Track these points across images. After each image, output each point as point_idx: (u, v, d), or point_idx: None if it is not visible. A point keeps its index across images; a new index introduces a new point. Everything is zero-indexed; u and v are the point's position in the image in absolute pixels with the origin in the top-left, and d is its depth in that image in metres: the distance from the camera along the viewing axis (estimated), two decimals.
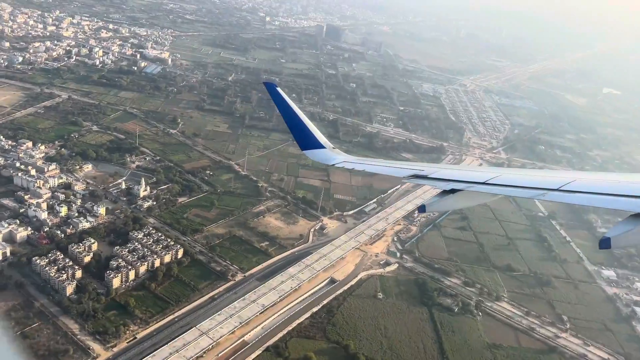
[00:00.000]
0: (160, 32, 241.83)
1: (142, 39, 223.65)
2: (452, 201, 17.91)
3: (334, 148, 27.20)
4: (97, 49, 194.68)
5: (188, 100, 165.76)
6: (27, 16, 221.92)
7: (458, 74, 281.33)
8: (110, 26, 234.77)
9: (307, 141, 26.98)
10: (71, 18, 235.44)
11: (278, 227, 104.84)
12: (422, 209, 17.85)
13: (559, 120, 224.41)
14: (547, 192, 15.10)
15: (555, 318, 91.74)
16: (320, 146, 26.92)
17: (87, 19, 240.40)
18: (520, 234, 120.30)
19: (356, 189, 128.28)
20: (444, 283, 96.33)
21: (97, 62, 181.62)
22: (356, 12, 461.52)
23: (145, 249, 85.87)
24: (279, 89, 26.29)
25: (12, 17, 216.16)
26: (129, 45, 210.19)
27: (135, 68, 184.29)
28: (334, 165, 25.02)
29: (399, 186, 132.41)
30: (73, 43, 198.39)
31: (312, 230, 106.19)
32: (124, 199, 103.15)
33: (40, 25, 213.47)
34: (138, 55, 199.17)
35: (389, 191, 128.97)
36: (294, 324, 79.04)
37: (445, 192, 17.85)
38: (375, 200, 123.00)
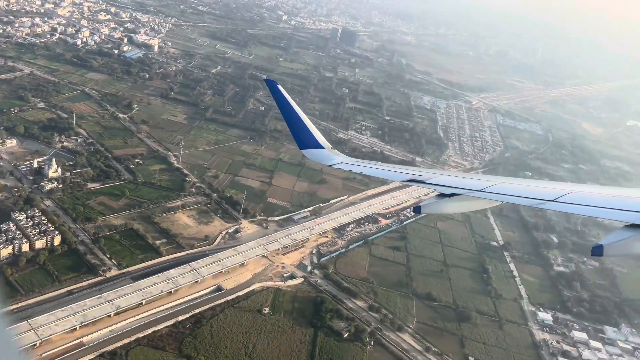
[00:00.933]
0: (162, 20, 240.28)
1: (140, 25, 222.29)
2: (448, 205, 17.90)
3: (332, 148, 27.61)
4: (84, 29, 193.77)
5: (156, 87, 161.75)
6: None
7: (469, 90, 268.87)
8: (113, 9, 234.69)
9: (306, 140, 27.05)
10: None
11: (186, 226, 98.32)
12: (417, 209, 18.18)
13: (562, 148, 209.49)
14: (544, 202, 15.40)
15: (459, 359, 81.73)
16: (318, 146, 27.04)
17: (91, 0, 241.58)
18: (460, 262, 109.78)
19: (296, 194, 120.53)
20: (345, 304, 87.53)
21: (79, 42, 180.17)
22: (385, 20, 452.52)
23: (18, 232, 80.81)
24: (279, 87, 26.59)
25: None
26: (121, 29, 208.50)
27: (116, 51, 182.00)
28: (331, 165, 25.21)
29: (345, 197, 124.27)
30: (64, 22, 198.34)
31: (224, 232, 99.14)
32: (31, 178, 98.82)
33: (39, 2, 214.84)
34: (125, 39, 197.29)
35: (332, 201, 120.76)
36: (149, 331, 72.16)
37: (442, 195, 17.90)
38: (311, 208, 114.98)
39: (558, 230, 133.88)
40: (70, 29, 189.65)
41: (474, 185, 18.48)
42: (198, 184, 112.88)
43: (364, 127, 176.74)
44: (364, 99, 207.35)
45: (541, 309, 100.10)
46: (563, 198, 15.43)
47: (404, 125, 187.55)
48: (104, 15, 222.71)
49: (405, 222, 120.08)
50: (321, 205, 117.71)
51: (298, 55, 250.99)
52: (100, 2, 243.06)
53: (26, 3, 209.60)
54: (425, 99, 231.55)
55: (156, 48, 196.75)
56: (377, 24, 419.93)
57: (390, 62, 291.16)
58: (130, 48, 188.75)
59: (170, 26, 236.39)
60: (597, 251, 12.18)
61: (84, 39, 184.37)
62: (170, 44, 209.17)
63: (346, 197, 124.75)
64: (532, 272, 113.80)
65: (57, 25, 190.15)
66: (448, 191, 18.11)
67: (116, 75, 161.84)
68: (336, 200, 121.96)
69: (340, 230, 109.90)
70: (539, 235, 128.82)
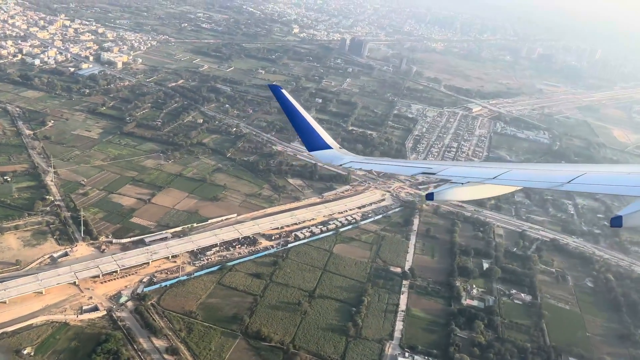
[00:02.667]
0: (149, 38, 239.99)
1: (121, 43, 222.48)
2: (462, 191, 18.22)
3: (340, 148, 27.93)
4: (52, 49, 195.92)
5: (91, 103, 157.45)
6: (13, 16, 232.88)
7: (479, 97, 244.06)
8: (101, 30, 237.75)
9: (314, 142, 27.27)
10: (70, 21, 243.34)
11: (6, 248, 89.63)
12: (429, 196, 18.45)
13: (561, 158, 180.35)
14: (561, 184, 15.78)
15: None
16: (327, 147, 27.29)
17: (86, 23, 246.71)
18: (333, 292, 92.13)
19: (173, 213, 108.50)
20: (137, 344, 73.85)
21: (38, 62, 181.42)
22: (419, 28, 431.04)
23: None
24: (283, 91, 27.20)
25: None
26: (95, 48, 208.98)
27: (72, 69, 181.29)
28: (341, 165, 25.71)
29: (234, 215, 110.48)
30: (37, 44, 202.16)
31: (47, 256, 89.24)
32: None
33: (24, 26, 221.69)
34: (91, 58, 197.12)
35: (212, 220, 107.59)
36: None
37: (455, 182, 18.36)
38: (179, 228, 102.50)
39: (495, 255, 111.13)
40: (36, 50, 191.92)
41: (487, 174, 18.50)
42: (58, 202, 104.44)
43: None
44: (336, 109, 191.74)
45: (407, 354, 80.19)
46: (579, 179, 15.80)
47: (367, 135, 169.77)
48: (88, 36, 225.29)
49: (291, 245, 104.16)
50: (194, 225, 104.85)
51: (286, 67, 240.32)
52: (93, 24, 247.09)
53: (9, 27, 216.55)
54: (414, 108, 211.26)
55: (120, 65, 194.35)
56: (406, 32, 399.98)
57: (397, 69, 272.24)
58: (90, 66, 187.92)
59: (155, 43, 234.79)
60: (616, 222, 12.83)
61: (47, 59, 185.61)
62: (141, 60, 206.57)
63: (235, 215, 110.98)
64: (429, 306, 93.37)
65: (28, 47, 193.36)
66: (462, 181, 18.21)
67: (55, 93, 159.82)
68: (219, 219, 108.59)
69: (199, 253, 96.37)
70: (462, 261, 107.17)
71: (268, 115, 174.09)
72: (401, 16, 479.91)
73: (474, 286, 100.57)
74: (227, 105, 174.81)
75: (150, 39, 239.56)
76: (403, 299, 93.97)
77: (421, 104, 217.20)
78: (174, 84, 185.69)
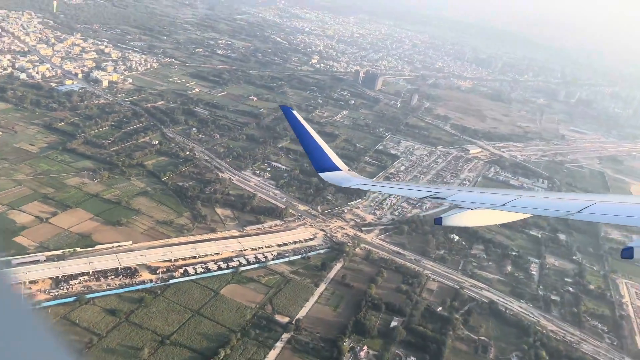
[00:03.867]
0: (153, 60, 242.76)
1: (118, 63, 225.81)
2: (471, 217, 17.86)
3: (350, 170, 28.20)
4: (45, 65, 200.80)
5: (52, 118, 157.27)
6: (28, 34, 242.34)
7: (486, 139, 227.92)
8: (108, 50, 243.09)
9: (323, 164, 27.51)
10: (82, 40, 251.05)
11: None
12: (438, 221, 18.13)
13: None
14: (571, 213, 15.66)
15: None
16: (335, 168, 27.52)
17: (98, 42, 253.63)
18: (194, 340, 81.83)
19: (63, 235, 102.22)
20: None
21: (24, 76, 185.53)
22: (452, 65, 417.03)
23: None
24: (294, 112, 27.85)
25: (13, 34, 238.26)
26: (86, 66, 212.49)
27: (54, 85, 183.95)
28: (350, 186, 26.07)
29: (129, 242, 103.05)
30: (36, 59, 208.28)
31: None
32: None
33: (33, 42, 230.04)
34: (80, 75, 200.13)
35: (100, 246, 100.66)
36: None
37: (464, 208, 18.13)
38: (52, 253, 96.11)
39: (410, 314, 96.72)
40: (29, 65, 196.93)
41: (497, 200, 18.43)
42: None
43: (270, 168, 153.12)
44: None
45: None
46: (589, 209, 15.32)
47: None
48: (91, 55, 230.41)
49: (174, 280, 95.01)
50: (77, 249, 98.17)
51: (283, 95, 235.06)
52: (105, 44, 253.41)
53: (17, 43, 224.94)
54: (403, 144, 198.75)
55: (106, 83, 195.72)
56: (437, 68, 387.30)
57: (406, 104, 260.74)
58: (74, 82, 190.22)
59: (157, 65, 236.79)
60: (627, 253, 12.53)
61: (35, 74, 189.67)
62: (131, 80, 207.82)
63: (129, 243, 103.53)
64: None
65: (23, 62, 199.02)
66: (471, 207, 17.94)
67: (22, 106, 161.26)
68: (109, 245, 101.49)
69: (62, 281, 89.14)
70: (366, 316, 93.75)
71: (234, 142, 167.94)
72: (439, 53, 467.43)
73: (366, 347, 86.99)
74: (194, 129, 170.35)
75: (155, 61, 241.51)
76: (272, 355, 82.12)
77: (414, 142, 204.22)
78: (150, 105, 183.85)
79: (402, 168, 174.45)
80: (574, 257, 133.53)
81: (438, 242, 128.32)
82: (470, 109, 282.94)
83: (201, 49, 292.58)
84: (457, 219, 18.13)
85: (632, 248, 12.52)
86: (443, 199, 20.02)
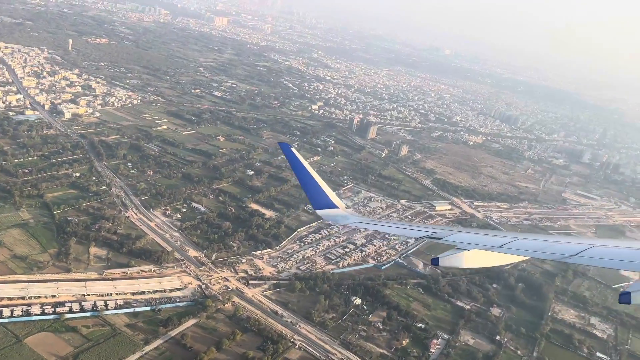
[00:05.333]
0: (137, 96, 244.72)
1: (99, 98, 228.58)
2: (467, 257, 18.32)
3: (347, 208, 28.81)
4: (17, 95, 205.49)
5: None
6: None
7: (466, 196, 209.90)
8: (96, 85, 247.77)
9: (320, 201, 28.13)
10: (76, 76, 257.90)
11: None
12: (435, 261, 18.67)
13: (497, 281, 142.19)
14: (567, 257, 16.07)
15: None
16: (333, 206, 28.10)
17: (92, 78, 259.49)
18: None
19: None
20: None
21: None
22: (473, 120, 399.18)
23: None
24: (293, 149, 28.31)
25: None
26: (61, 98, 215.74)
27: (12, 114, 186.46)
28: (347, 225, 26.71)
29: None
30: (14, 89, 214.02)
31: None
32: None
33: (21, 74, 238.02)
34: (46, 107, 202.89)
35: None
36: None
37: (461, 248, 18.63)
38: None
39: None
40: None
41: (494, 242, 18.81)
42: None
43: (185, 209, 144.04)
44: (259, 182, 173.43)
45: None
46: (586, 252, 15.84)
47: (259, 215, 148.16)
48: (74, 89, 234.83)
49: None
50: None
51: (257, 138, 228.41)
52: (96, 79, 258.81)
53: (3, 74, 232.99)
54: (362, 195, 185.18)
55: (68, 115, 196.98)
56: (452, 122, 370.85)
57: (395, 155, 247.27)
58: (35, 113, 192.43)
59: (137, 102, 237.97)
60: (625, 299, 12.54)
61: (0, 103, 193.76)
62: (99, 114, 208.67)
63: None
64: None
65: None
66: (468, 248, 18.41)
67: None
68: None
69: None
70: None
71: (167, 179, 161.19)
72: (464, 107, 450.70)
73: None
74: (129, 164, 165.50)
75: (138, 98, 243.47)
76: None
77: (377, 193, 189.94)
78: (99, 138, 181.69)
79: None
80: (497, 337, 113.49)
81: (332, 304, 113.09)
82: (466, 164, 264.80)
83: (199, 90, 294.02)
84: (453, 259, 18.30)
85: (629, 293, 12.30)
86: (440, 239, 20.14)
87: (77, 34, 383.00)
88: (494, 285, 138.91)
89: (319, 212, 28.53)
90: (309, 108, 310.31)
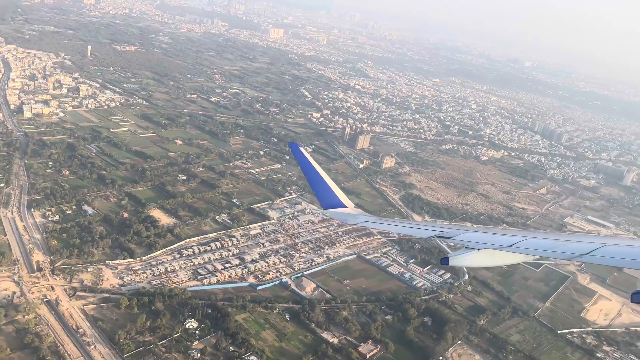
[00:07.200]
0: (119, 98, 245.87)
1: (82, 99, 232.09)
2: (478, 257, 17.90)
3: (355, 207, 29.13)
4: None
5: None
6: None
7: (432, 215, 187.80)
8: (85, 87, 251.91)
9: (329, 200, 28.59)
10: (72, 79, 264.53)
11: None
12: (445, 261, 18.07)
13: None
14: (579, 256, 15.58)
15: None
16: (341, 205, 28.43)
17: (87, 82, 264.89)
18: None
19: None
20: None
21: None
22: (506, 134, 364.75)
23: None
24: (301, 149, 29.29)
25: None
26: (38, 98, 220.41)
27: None
28: (356, 224, 26.94)
29: None
30: None
31: None
32: None
33: (14, 76, 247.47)
34: (12, 105, 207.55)
35: None
36: None
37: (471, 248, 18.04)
38: None
39: None
40: None
41: (504, 241, 18.22)
42: None
43: (70, 211, 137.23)
44: (184, 187, 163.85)
45: None
46: (598, 251, 15.49)
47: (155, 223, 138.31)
48: (58, 91, 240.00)
49: None
50: None
51: (224, 144, 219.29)
52: (91, 83, 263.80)
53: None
54: (301, 207, 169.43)
55: (28, 114, 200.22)
56: (477, 136, 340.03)
57: (375, 165, 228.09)
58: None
59: (115, 104, 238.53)
60: (637, 298, 12.78)
61: None
62: (63, 115, 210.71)
63: None
64: None
65: None
66: (478, 247, 17.84)
67: None
68: None
69: None
70: None
71: (79, 180, 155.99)
72: (505, 120, 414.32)
73: None
74: (50, 163, 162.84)
75: (120, 100, 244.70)
76: None
77: (319, 205, 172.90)
78: (42, 137, 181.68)
79: (253, 232, 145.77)
80: None
81: (155, 325, 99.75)
82: (462, 180, 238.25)
83: (195, 95, 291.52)
84: (463, 259, 18.22)
85: None
86: (449, 238, 20.35)
87: (110, 42, 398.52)
88: (388, 317, 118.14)
89: (327, 211, 28.30)
90: (309, 116, 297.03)
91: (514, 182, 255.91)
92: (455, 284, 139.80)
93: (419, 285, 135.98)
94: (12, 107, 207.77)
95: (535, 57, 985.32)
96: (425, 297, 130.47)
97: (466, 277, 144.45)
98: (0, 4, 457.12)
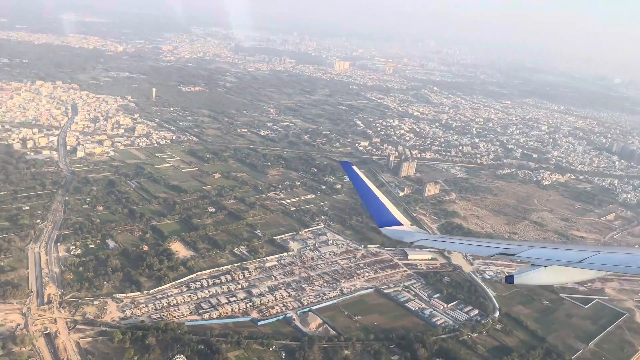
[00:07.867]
0: (172, 136, 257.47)
1: (136, 138, 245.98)
2: (544, 275, 17.20)
3: (412, 225, 28.73)
4: (45, 138, 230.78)
5: None
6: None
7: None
8: (140, 127, 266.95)
9: (384, 218, 27.76)
10: (131, 120, 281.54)
11: None
12: (510, 279, 17.54)
13: None
14: None
15: None
16: (397, 223, 27.73)
17: (145, 122, 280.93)
18: None
19: None
20: None
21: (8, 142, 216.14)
22: (579, 157, 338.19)
23: None
24: (354, 168, 28.58)
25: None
26: (89, 140, 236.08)
27: (31, 154, 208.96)
28: (413, 242, 25.61)
29: None
30: (57, 132, 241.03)
31: None
32: None
33: (78, 120, 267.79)
34: (68, 147, 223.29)
35: None
36: None
37: (537, 265, 17.27)
38: None
39: None
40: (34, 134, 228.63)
41: (573, 257, 17.29)
42: None
43: (93, 245, 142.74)
44: (210, 219, 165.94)
45: None
46: None
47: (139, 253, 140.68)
48: (115, 131, 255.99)
49: None
50: None
51: (262, 175, 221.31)
52: (148, 122, 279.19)
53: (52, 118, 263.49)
54: (324, 237, 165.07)
55: (81, 153, 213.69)
56: (545, 158, 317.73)
57: (418, 193, 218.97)
58: (51, 152, 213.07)
59: (165, 142, 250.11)
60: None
61: (11, 140, 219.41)
62: (114, 153, 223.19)
63: None
64: None
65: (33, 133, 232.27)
66: (544, 264, 17.10)
67: None
68: None
69: None
70: None
71: (111, 215, 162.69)
72: (578, 141, 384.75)
73: None
74: (87, 199, 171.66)
75: (171, 137, 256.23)
76: None
77: (345, 237, 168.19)
78: (87, 175, 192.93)
79: (268, 265, 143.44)
80: None
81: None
82: (515, 207, 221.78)
83: (246, 129, 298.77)
84: (529, 277, 17.08)
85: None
86: (513, 255, 18.70)
87: (177, 84, 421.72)
88: (394, 358, 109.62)
89: (384, 229, 27.67)
90: (356, 145, 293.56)
91: (577, 208, 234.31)
92: (482, 322, 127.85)
93: (438, 322, 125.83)
94: (68, 148, 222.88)
95: (628, 74, 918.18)
96: (443, 336, 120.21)
97: (497, 313, 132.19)
98: (84, 56, 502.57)
